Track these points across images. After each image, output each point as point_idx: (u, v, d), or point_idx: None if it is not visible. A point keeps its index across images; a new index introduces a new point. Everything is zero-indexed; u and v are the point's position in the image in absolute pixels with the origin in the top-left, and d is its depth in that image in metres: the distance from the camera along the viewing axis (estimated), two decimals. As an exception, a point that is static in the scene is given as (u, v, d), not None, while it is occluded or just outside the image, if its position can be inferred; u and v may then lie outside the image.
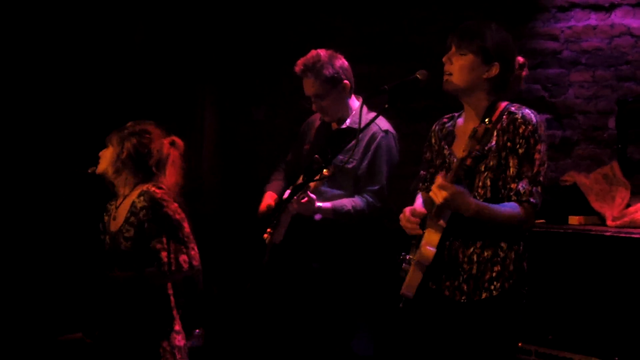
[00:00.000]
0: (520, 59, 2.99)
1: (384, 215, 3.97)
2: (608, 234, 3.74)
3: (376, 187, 3.84)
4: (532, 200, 2.80)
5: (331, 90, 3.86)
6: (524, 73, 3.00)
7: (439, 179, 2.74)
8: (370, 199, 3.82)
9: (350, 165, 3.78)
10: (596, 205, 4.03)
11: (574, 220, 4.02)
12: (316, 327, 4.03)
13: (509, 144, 2.83)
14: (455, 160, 2.93)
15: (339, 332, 3.96)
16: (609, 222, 3.92)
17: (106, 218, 3.45)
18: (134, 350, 3.27)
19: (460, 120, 3.03)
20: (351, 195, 3.84)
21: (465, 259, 2.89)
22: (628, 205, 3.98)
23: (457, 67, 2.89)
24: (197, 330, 3.98)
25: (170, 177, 3.40)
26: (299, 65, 3.89)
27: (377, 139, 3.84)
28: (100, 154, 3.43)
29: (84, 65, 5.31)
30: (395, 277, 2.99)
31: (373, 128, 3.74)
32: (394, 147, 3.91)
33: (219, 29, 5.87)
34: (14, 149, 5.06)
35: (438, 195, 2.73)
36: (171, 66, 5.67)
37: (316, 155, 3.47)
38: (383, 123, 3.87)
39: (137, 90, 5.47)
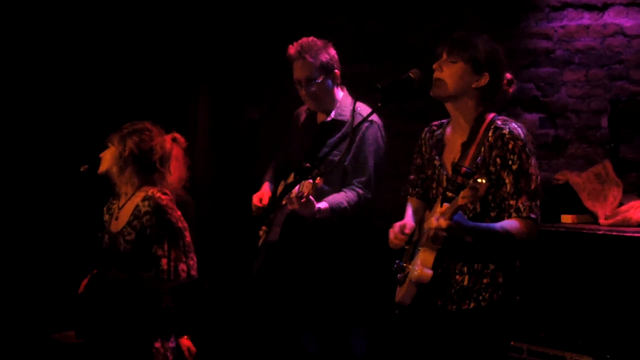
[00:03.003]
0: (508, 75, 3.00)
1: (377, 215, 3.97)
2: (600, 232, 3.75)
3: (364, 178, 3.83)
4: (532, 215, 2.81)
5: (324, 77, 3.86)
6: (511, 90, 3.01)
7: (435, 222, 2.73)
8: (361, 191, 3.81)
9: (336, 159, 3.77)
10: (589, 204, 4.04)
11: (566, 219, 4.02)
12: (312, 326, 4.03)
13: (498, 160, 2.84)
14: (444, 174, 2.95)
15: (334, 330, 3.96)
16: (601, 221, 3.93)
17: (107, 217, 3.44)
18: (127, 351, 3.27)
19: (448, 129, 3.03)
20: (339, 189, 3.83)
21: (457, 271, 2.91)
22: (620, 204, 3.99)
23: (447, 74, 2.90)
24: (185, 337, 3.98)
25: (175, 172, 3.40)
26: (295, 47, 3.87)
27: (362, 130, 3.83)
28: (101, 155, 3.42)
29: (77, 65, 5.31)
30: (387, 278, 3.01)
31: (357, 119, 3.72)
32: (379, 137, 3.89)
33: (213, 28, 5.87)
34: (9, 148, 5.06)
35: (437, 230, 2.73)
36: (165, 65, 5.67)
37: (307, 164, 3.45)
38: (367, 113, 3.84)
39: (131, 89, 5.46)
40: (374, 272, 3.97)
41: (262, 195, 4.00)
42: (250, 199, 4.10)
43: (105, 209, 3.48)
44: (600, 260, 3.68)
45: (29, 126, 5.14)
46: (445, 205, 2.74)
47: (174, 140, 3.45)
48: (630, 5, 4.58)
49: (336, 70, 3.92)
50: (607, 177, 4.12)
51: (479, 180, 2.60)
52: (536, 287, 3.76)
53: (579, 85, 4.75)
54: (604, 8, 4.67)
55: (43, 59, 5.19)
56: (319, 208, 3.67)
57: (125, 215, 3.34)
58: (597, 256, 3.69)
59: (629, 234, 3.65)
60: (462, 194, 2.64)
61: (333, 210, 3.73)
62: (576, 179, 4.15)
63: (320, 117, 4.00)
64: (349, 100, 3.94)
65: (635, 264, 3.57)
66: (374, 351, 4.62)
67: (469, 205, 2.71)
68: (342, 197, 3.78)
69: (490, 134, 2.86)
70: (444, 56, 2.93)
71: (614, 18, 4.63)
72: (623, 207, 3.94)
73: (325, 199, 3.74)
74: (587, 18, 4.72)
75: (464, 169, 2.82)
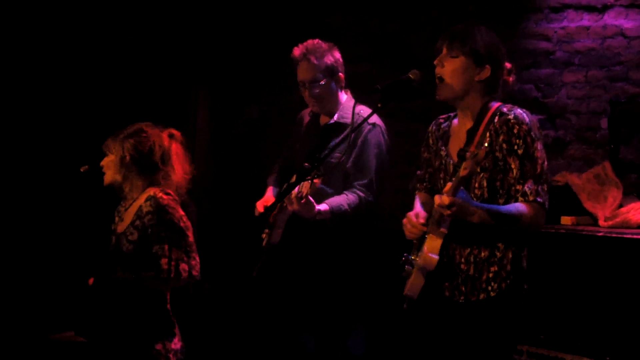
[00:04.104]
0: (508, 64, 3.00)
1: (377, 215, 3.97)
2: (600, 234, 3.74)
3: (365, 181, 3.82)
4: (539, 199, 2.80)
5: (328, 79, 3.87)
6: (511, 79, 3.02)
7: (438, 199, 2.72)
8: (362, 194, 3.81)
9: (337, 160, 3.77)
10: (588, 205, 4.04)
11: (566, 220, 4.02)
12: (313, 327, 4.03)
13: (504, 145, 2.84)
14: (451, 162, 2.95)
15: (333, 332, 3.95)
16: (601, 222, 3.93)
17: (116, 219, 3.43)
18: (129, 352, 3.26)
19: (455, 121, 3.04)
20: (341, 191, 3.83)
21: (463, 260, 2.90)
22: (620, 206, 3.99)
23: (449, 70, 2.90)
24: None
25: (178, 169, 3.39)
26: (300, 48, 3.88)
27: (364, 132, 3.83)
28: (102, 163, 3.39)
29: (78, 66, 5.31)
30: (395, 277, 3.00)
31: (358, 121, 3.70)
32: (382, 140, 3.89)
33: (212, 28, 5.87)
34: (12, 149, 5.06)
35: (441, 208, 2.73)
36: (164, 66, 5.67)
37: (305, 164, 3.44)
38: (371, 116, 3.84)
39: (131, 90, 5.46)
40: (374, 273, 3.97)
41: (267, 202, 4.00)
42: (251, 200, 4.10)
43: (115, 211, 3.48)
44: (600, 261, 3.68)
45: (29, 126, 5.14)
46: (449, 184, 2.74)
47: (171, 136, 3.43)
48: (630, 7, 4.58)
49: (340, 74, 3.92)
50: (607, 178, 4.12)
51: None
52: (535, 288, 3.75)
53: (578, 86, 4.75)
54: (603, 9, 4.67)
55: (44, 59, 5.19)
56: (319, 210, 3.67)
57: (129, 216, 3.33)
58: (596, 258, 3.69)
59: (628, 236, 3.65)
60: (463, 165, 2.65)
61: (333, 212, 3.72)
62: (576, 180, 4.15)
63: (324, 120, 4.00)
64: (352, 103, 3.94)
65: (635, 266, 3.57)
66: (373, 352, 4.62)
67: (470, 174, 2.69)
68: (342, 200, 3.77)
69: (496, 120, 2.87)
70: (444, 51, 2.92)
71: (613, 19, 4.63)
72: (623, 209, 3.94)
73: (326, 201, 3.74)
74: (587, 19, 4.72)
75: (469, 154, 2.82)
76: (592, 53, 4.70)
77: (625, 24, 4.59)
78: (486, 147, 2.66)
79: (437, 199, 2.73)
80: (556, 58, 4.82)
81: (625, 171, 4.30)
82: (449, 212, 2.72)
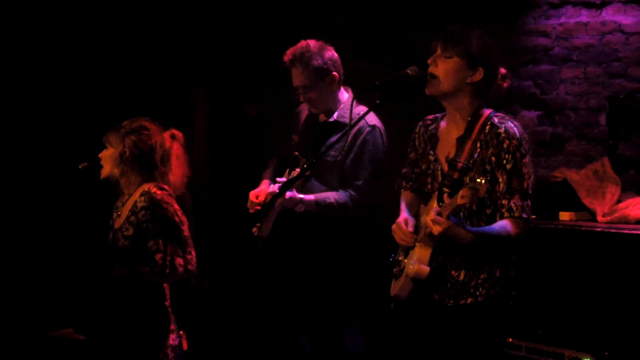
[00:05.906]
0: (503, 70, 2.99)
1: (371, 212, 3.96)
2: (598, 229, 3.75)
3: (360, 182, 3.81)
4: (524, 215, 2.82)
5: (319, 82, 3.82)
6: (505, 84, 3.01)
7: (432, 215, 2.72)
8: (354, 194, 3.79)
9: (335, 160, 3.76)
10: (587, 201, 4.05)
11: (564, 216, 4.03)
12: (307, 322, 4.03)
13: (493, 158, 2.84)
14: (439, 168, 2.95)
15: (329, 327, 3.95)
16: (599, 218, 3.94)
17: (114, 215, 3.44)
18: (127, 348, 3.26)
19: (443, 123, 3.03)
20: (335, 190, 3.83)
21: (453, 266, 2.91)
22: (618, 201, 4.00)
23: (442, 70, 2.89)
24: (180, 332, 3.98)
25: (176, 170, 3.38)
26: (287, 55, 3.85)
27: (364, 134, 3.81)
28: (101, 155, 3.39)
29: (77, 63, 5.32)
30: (385, 275, 3.01)
31: (360, 122, 3.66)
32: (380, 143, 3.86)
33: (211, 26, 5.87)
34: (12, 146, 5.07)
35: (433, 228, 2.73)
36: (164, 65, 5.67)
37: (295, 152, 3.39)
38: (371, 117, 3.79)
39: (131, 87, 5.47)
40: (371, 270, 3.97)
41: (259, 193, 3.99)
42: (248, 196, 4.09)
43: (114, 207, 3.48)
44: (598, 257, 3.68)
45: (30, 124, 5.15)
46: (443, 202, 2.73)
47: (173, 137, 3.43)
48: (629, 3, 4.59)
49: (334, 73, 3.84)
50: (605, 174, 4.13)
51: (479, 180, 2.59)
52: (534, 284, 3.76)
53: (577, 82, 4.75)
54: (602, 5, 4.67)
55: (45, 57, 5.20)
56: (302, 198, 3.67)
57: (125, 211, 3.33)
58: (595, 253, 3.70)
59: (626, 231, 3.66)
60: (461, 193, 2.63)
61: (318, 203, 3.72)
62: (574, 176, 4.16)
63: (322, 116, 3.99)
64: (353, 103, 3.92)
65: (633, 261, 3.57)
66: (372, 349, 4.63)
67: (467, 205, 2.69)
68: (330, 194, 3.77)
69: (486, 130, 2.86)
70: (439, 51, 2.92)
71: (612, 15, 4.63)
72: (621, 205, 3.94)
73: (314, 194, 3.75)
74: (585, 15, 4.72)
75: (460, 164, 2.82)
76: (590, 49, 4.70)
77: (623, 20, 4.60)
78: (487, 183, 2.63)
79: (430, 222, 2.72)
80: (555, 54, 4.82)
81: (623, 167, 4.31)
82: (436, 231, 2.72)
